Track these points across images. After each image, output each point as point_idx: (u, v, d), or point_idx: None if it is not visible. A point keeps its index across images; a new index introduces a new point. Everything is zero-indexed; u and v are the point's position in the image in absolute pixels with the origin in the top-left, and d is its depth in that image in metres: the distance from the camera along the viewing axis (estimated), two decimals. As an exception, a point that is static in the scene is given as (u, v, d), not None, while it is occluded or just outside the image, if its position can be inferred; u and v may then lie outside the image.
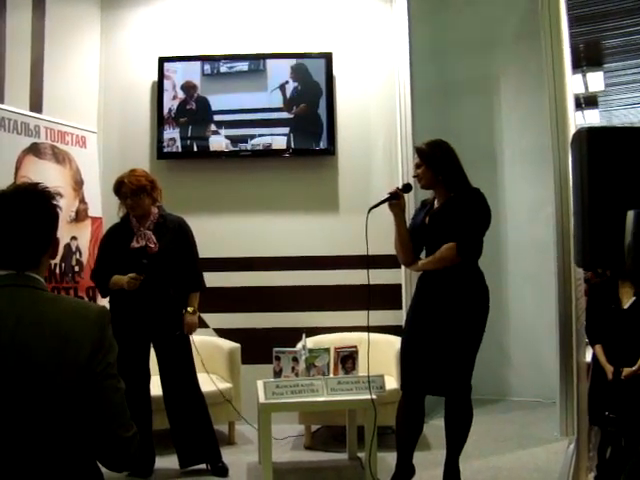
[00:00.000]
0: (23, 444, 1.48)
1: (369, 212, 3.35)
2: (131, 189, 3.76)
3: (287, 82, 4.94)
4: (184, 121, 4.97)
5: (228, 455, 4.00)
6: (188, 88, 4.98)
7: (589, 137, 2.85)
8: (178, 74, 5.00)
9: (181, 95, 4.99)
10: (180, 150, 4.97)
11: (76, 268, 4.41)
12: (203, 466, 3.87)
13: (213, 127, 4.94)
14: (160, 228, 3.83)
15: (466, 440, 3.45)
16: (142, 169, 3.94)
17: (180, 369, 3.83)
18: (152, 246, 3.78)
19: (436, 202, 3.48)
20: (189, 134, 4.96)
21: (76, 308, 1.62)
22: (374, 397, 3.56)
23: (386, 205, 3.41)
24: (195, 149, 4.97)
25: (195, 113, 4.97)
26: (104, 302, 4.44)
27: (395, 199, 3.40)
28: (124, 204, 3.85)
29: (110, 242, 3.89)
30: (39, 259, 1.64)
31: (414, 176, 3.47)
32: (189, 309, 3.84)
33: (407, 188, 3.49)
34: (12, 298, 1.57)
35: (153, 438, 3.84)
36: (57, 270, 4.23)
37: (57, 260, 4.20)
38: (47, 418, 1.49)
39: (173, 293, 3.80)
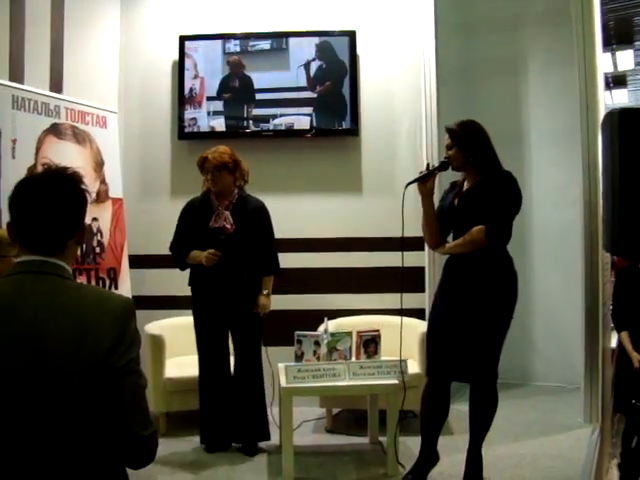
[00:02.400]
0: (40, 438, 1.45)
1: (406, 188, 3.30)
2: (214, 164, 3.83)
3: (314, 59, 4.86)
4: (228, 97, 4.91)
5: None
6: (234, 64, 4.92)
7: (621, 118, 2.77)
8: (199, 53, 4.94)
9: (208, 74, 4.92)
10: (207, 130, 4.92)
11: (97, 249, 4.41)
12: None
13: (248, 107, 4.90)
14: (238, 209, 3.89)
15: (490, 427, 3.41)
16: (228, 147, 3.95)
17: (251, 350, 3.93)
18: (229, 227, 3.86)
19: (466, 184, 3.40)
20: (231, 111, 4.92)
21: (99, 299, 1.57)
22: (398, 381, 3.53)
23: (413, 186, 3.35)
24: (239, 128, 4.91)
25: (237, 91, 4.91)
26: (125, 291, 4.47)
27: (431, 175, 3.34)
28: (206, 179, 3.91)
29: (189, 217, 3.98)
30: (64, 243, 1.60)
31: (445, 157, 3.39)
32: (264, 291, 3.92)
33: (444, 166, 3.39)
34: (34, 286, 1.53)
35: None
36: (78, 251, 4.22)
37: (78, 241, 4.19)
38: (64, 411, 1.45)
39: (247, 276, 3.86)
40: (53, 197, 1.57)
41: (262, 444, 4.00)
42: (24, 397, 1.44)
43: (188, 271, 4.02)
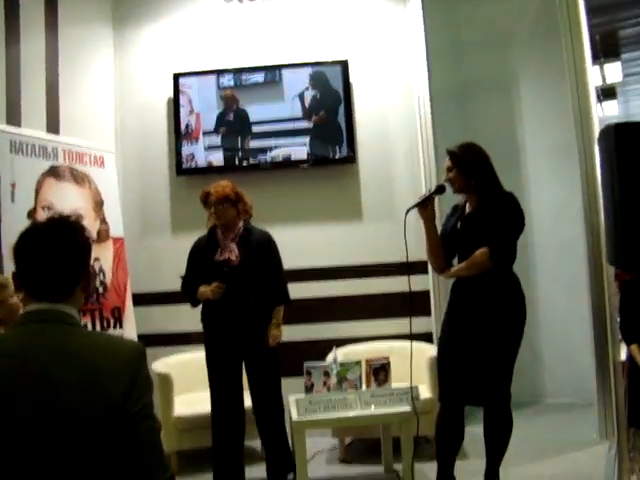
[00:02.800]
0: None
1: (407, 213, 3.30)
2: (216, 197, 3.86)
3: (307, 88, 4.90)
4: (224, 131, 4.95)
5: (264, 471, 3.95)
6: (227, 98, 4.96)
7: (617, 133, 2.79)
8: (193, 89, 4.97)
9: (204, 109, 4.96)
10: (205, 165, 4.95)
11: (100, 289, 4.39)
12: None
13: (244, 140, 4.94)
14: (244, 241, 3.91)
15: (506, 449, 3.38)
16: (230, 182, 3.98)
17: (269, 383, 3.90)
18: (234, 258, 3.88)
19: (467, 206, 3.41)
20: (228, 145, 4.96)
21: (108, 346, 1.57)
22: (410, 409, 3.50)
23: (415, 211, 3.35)
24: (236, 162, 4.95)
25: (233, 124, 4.95)
26: (130, 329, 4.44)
27: (429, 199, 3.35)
28: (210, 214, 3.95)
29: (196, 253, 4.00)
30: (72, 290, 1.61)
31: (445, 180, 3.39)
32: (274, 321, 3.91)
33: (440, 189, 3.40)
34: (44, 334, 1.53)
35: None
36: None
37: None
38: (79, 459, 1.43)
39: (254, 304, 3.85)
40: (58, 245, 1.59)
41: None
42: (38, 448, 1.43)
43: (197, 308, 4.00)
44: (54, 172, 4.23)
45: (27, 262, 1.59)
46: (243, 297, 3.84)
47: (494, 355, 3.20)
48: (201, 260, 3.94)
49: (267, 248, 3.94)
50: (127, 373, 1.51)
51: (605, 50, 7.73)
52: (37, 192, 4.09)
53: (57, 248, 1.59)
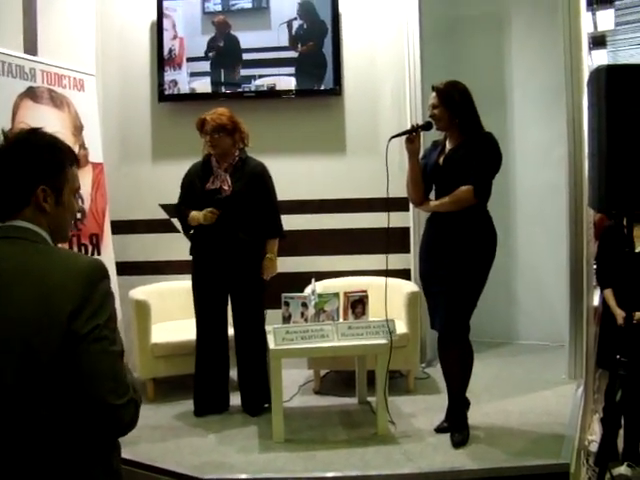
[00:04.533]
0: (13, 405, 1.40)
1: (389, 141, 3.37)
2: (212, 126, 3.79)
3: (295, 18, 4.77)
4: (213, 56, 4.82)
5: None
6: (219, 24, 4.81)
7: (608, 75, 2.76)
8: (178, 13, 4.82)
9: (188, 34, 4.82)
10: (187, 92, 4.84)
11: (79, 215, 4.33)
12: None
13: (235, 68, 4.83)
14: (237, 171, 3.86)
15: (468, 380, 3.50)
16: (227, 109, 3.90)
17: (253, 315, 3.91)
18: (226, 188, 3.84)
19: (448, 143, 3.48)
20: (215, 72, 4.84)
21: (66, 261, 1.50)
22: (386, 341, 3.55)
23: (398, 146, 3.37)
24: (222, 89, 4.84)
25: (224, 50, 4.83)
26: (108, 257, 4.41)
27: (415, 132, 3.42)
28: (205, 142, 3.87)
29: (189, 180, 3.95)
30: (19, 207, 1.55)
31: (430, 116, 3.44)
32: (268, 255, 3.89)
33: (427, 126, 3.46)
34: (1, 251, 1.50)
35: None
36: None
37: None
38: (29, 381, 1.39)
39: (243, 236, 3.82)
40: (6, 160, 1.55)
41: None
42: None
43: (177, 237, 3.97)
44: (31, 93, 4.10)
45: None
46: (233, 228, 3.81)
47: (458, 285, 3.33)
48: (193, 187, 3.90)
49: (260, 180, 3.89)
50: (79, 291, 1.43)
51: (599, -5, 7.62)
52: (14, 114, 3.97)
53: (4, 163, 1.55)
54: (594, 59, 10.40)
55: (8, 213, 1.55)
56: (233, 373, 4.08)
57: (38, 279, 1.44)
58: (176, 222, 4.28)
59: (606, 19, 8.39)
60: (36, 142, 1.58)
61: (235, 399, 4.05)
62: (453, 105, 3.35)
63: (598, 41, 9.65)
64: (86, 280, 1.45)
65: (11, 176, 1.55)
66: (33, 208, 1.56)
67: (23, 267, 1.46)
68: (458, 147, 3.39)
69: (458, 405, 3.52)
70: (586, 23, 4.53)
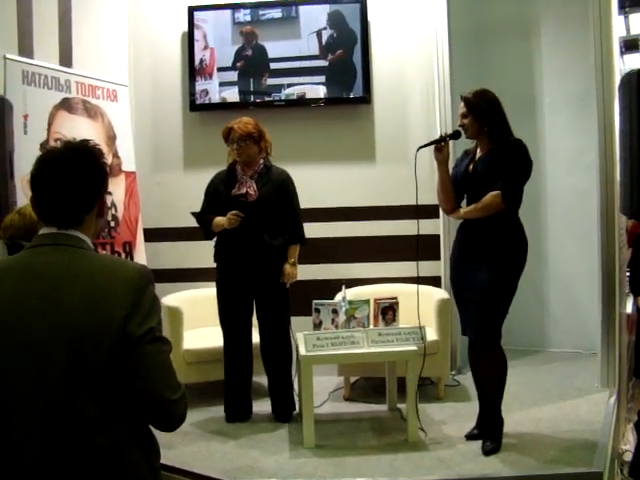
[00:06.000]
0: (60, 406, 1.45)
1: (418, 150, 3.43)
2: (239, 134, 3.85)
3: (325, 28, 4.82)
4: (242, 67, 4.89)
5: (269, 406, 4.04)
6: (247, 34, 4.88)
7: (640, 80, 2.74)
8: (208, 24, 4.89)
9: (218, 44, 4.90)
10: (218, 101, 4.91)
11: (112, 223, 4.42)
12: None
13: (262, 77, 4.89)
14: (262, 178, 3.91)
15: (502, 389, 3.48)
16: (252, 118, 3.96)
17: (278, 321, 3.94)
18: (252, 193, 3.88)
19: (478, 151, 3.50)
20: (244, 81, 4.91)
21: (113, 268, 1.56)
22: (417, 348, 3.57)
23: (428, 154, 3.39)
24: (251, 98, 4.91)
25: (251, 60, 4.89)
26: (142, 260, 4.47)
27: (443, 141, 3.46)
28: (231, 150, 3.93)
29: (214, 187, 4.00)
30: (81, 217, 1.59)
31: (460, 125, 3.47)
32: (290, 260, 3.93)
33: (456, 135, 3.50)
34: (50, 258, 1.54)
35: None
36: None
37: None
38: (81, 381, 1.45)
39: (267, 239, 3.87)
40: (69, 170, 1.57)
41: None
42: (42, 364, 1.45)
43: (208, 244, 4.00)
44: (67, 104, 4.21)
45: (40, 187, 1.58)
46: (258, 233, 3.85)
47: (489, 292, 3.33)
48: (218, 194, 3.94)
49: (285, 186, 3.94)
50: (130, 296, 1.50)
51: (632, -1, 7.52)
52: (50, 124, 4.08)
53: (68, 173, 1.57)
54: (626, 63, 10.28)
55: (70, 221, 1.58)
56: (256, 379, 4.11)
57: (86, 285, 1.50)
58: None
59: (638, 22, 8.28)
60: (97, 152, 1.64)
61: (260, 405, 4.08)
62: (481, 114, 3.37)
63: (630, 45, 9.54)
64: (136, 287, 1.52)
65: (81, 186, 1.58)
66: (92, 217, 1.63)
67: (72, 274, 1.51)
68: (487, 154, 3.42)
69: (493, 413, 3.49)
70: (618, 27, 4.47)
